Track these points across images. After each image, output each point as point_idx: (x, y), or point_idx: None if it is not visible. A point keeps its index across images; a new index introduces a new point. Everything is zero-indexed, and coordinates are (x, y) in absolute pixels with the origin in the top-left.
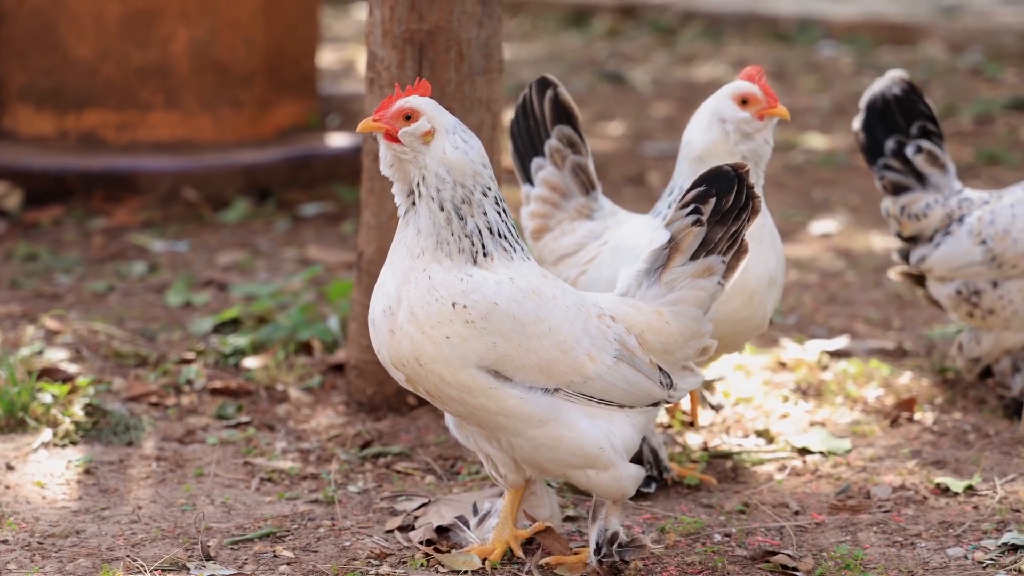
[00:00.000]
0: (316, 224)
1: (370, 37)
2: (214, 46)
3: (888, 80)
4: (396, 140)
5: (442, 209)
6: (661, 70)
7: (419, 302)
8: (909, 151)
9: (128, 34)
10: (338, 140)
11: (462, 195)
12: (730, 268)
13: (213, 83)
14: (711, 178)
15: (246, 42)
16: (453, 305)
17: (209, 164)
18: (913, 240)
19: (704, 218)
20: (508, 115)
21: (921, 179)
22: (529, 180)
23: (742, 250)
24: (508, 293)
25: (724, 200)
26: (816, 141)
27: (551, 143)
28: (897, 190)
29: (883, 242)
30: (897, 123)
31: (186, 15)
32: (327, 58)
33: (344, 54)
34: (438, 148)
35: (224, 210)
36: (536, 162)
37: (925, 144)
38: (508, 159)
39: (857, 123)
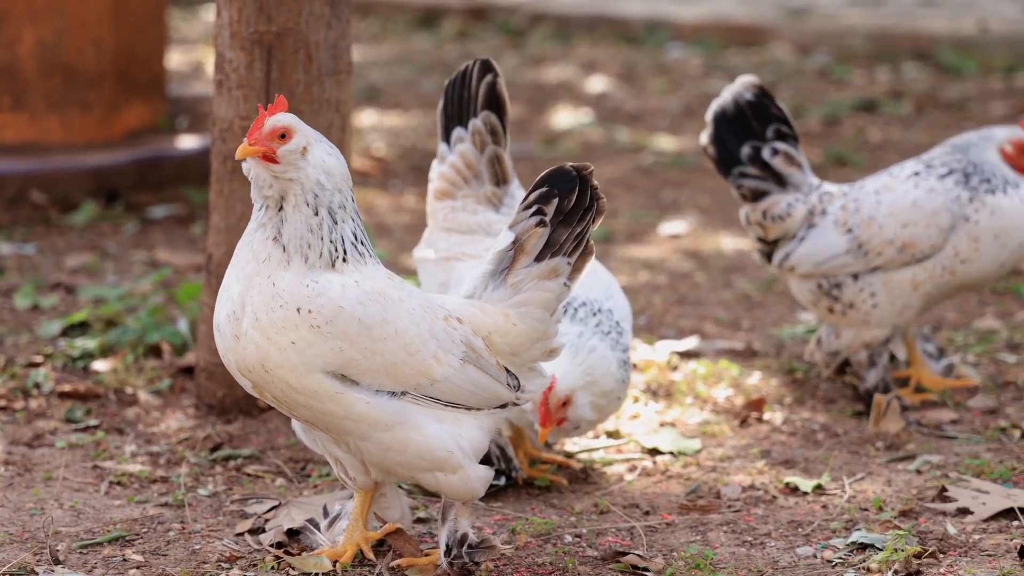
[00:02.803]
0: (165, 226)
1: (218, 39)
2: (62, 48)
3: (739, 86)
4: (274, 160)
5: (316, 214)
6: (511, 72)
7: (263, 308)
8: (766, 154)
9: None
10: (187, 142)
11: (339, 200)
12: (576, 269)
13: (61, 85)
14: (552, 178)
15: (94, 44)
16: (298, 310)
17: (57, 166)
18: (776, 244)
19: (547, 219)
20: (356, 117)
21: (780, 181)
22: (447, 142)
23: (588, 251)
24: (353, 296)
25: (566, 200)
26: (665, 143)
27: (476, 123)
28: (756, 196)
29: (732, 243)
30: (751, 128)
31: (33, 16)
32: (176, 60)
33: (193, 56)
34: (316, 157)
35: (72, 213)
36: (457, 132)
37: (781, 146)
38: (357, 161)
39: (705, 137)
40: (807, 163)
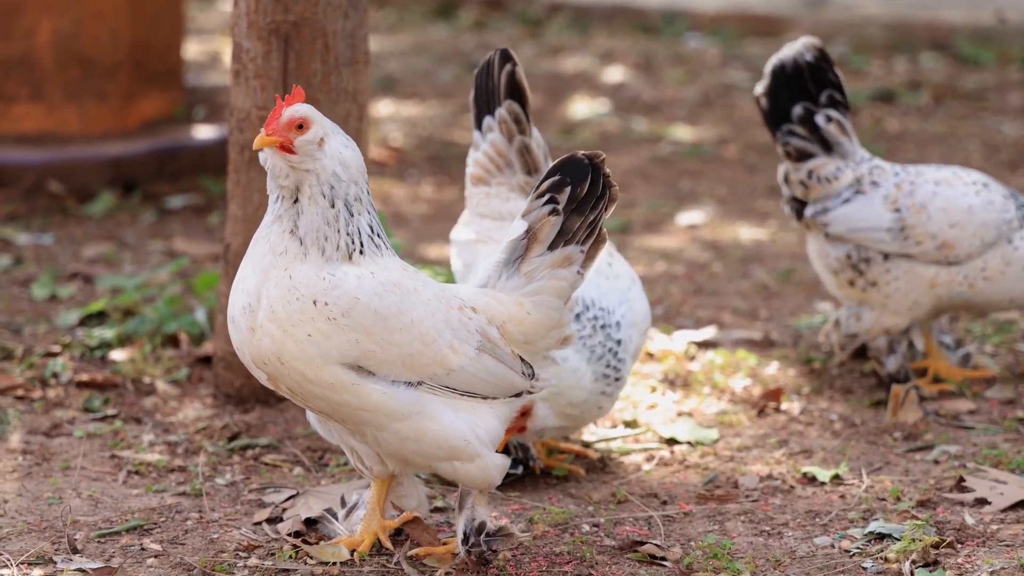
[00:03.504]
0: (182, 216)
1: (236, 28)
2: (79, 38)
3: (801, 45)
4: (292, 151)
5: (332, 206)
6: (528, 62)
7: (279, 300)
8: (820, 120)
9: None
10: (204, 132)
11: (355, 192)
12: (589, 257)
13: (78, 75)
14: (564, 167)
15: (111, 34)
16: (314, 303)
17: (74, 156)
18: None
19: (560, 207)
20: (373, 107)
21: (827, 146)
22: (480, 130)
23: (600, 239)
24: (369, 287)
25: (579, 188)
26: (683, 133)
27: (501, 112)
28: (801, 156)
29: (750, 233)
30: (806, 89)
31: (50, 7)
32: (193, 50)
33: (210, 46)
34: (333, 149)
35: (90, 203)
36: (487, 121)
37: (835, 114)
38: (374, 151)
39: (760, 88)
40: (854, 133)
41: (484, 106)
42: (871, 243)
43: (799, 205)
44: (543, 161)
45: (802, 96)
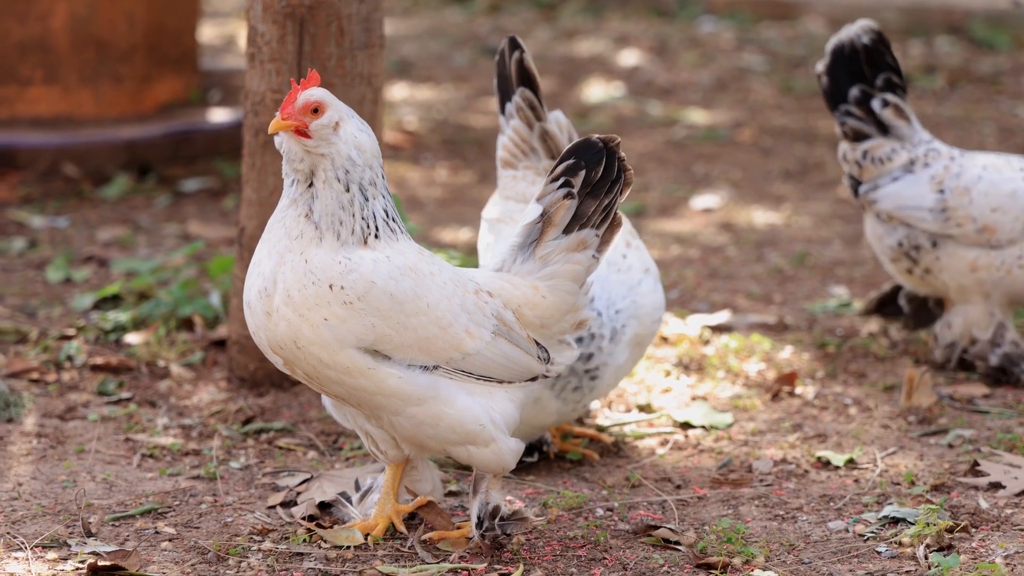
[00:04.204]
0: (197, 200)
1: (251, 12)
2: (94, 21)
3: (858, 28)
4: (307, 135)
5: (347, 190)
6: (543, 45)
7: (296, 285)
8: (876, 105)
9: (7, 9)
10: (219, 115)
11: (370, 177)
12: (604, 241)
13: (93, 58)
14: (579, 150)
15: (126, 17)
16: (330, 287)
17: (89, 139)
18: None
19: (575, 191)
20: (388, 91)
21: (883, 129)
22: (504, 115)
23: (615, 223)
24: (385, 271)
25: (593, 172)
26: (697, 116)
27: (517, 100)
28: (857, 137)
29: (764, 217)
30: (862, 72)
31: None
32: (208, 33)
33: (225, 29)
34: (348, 133)
35: (104, 186)
36: (508, 107)
37: (891, 98)
38: (389, 135)
39: (821, 66)
40: (915, 116)
41: (505, 92)
42: (915, 222)
43: (856, 183)
44: (566, 143)
45: (858, 78)
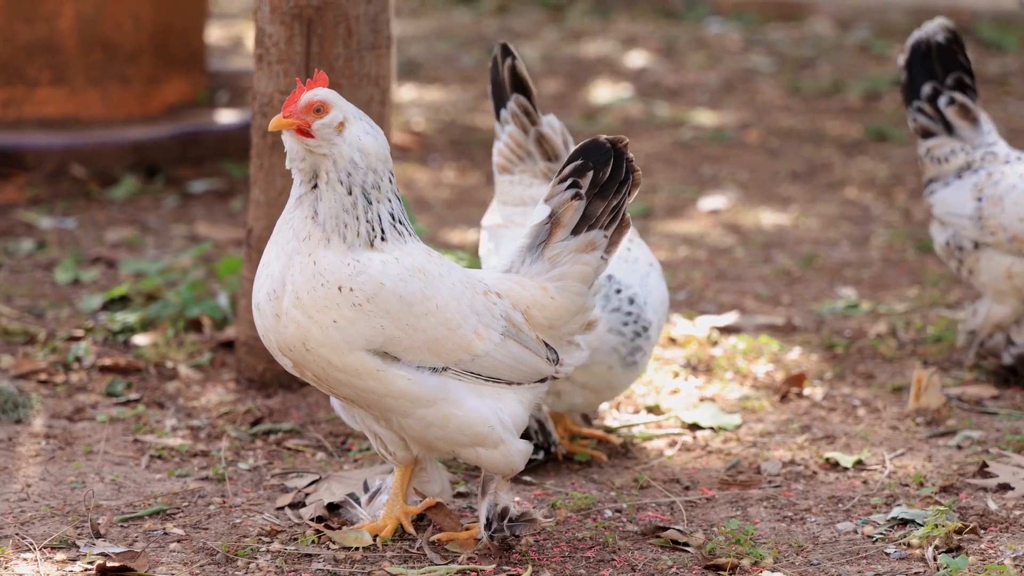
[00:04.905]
0: (205, 201)
1: (258, 13)
2: (101, 22)
3: (935, 25)
4: (309, 135)
5: (350, 193)
6: (550, 46)
7: (304, 287)
8: (942, 101)
9: (15, 10)
10: (227, 117)
11: (373, 180)
12: (612, 243)
13: (100, 59)
14: (586, 151)
15: (133, 18)
16: (339, 289)
17: (97, 140)
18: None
19: (583, 191)
20: (396, 92)
21: (949, 128)
22: (499, 122)
23: (624, 224)
24: (394, 272)
25: (601, 173)
26: (705, 117)
27: (511, 106)
28: (925, 134)
29: (772, 218)
30: (934, 70)
31: None
32: (215, 34)
33: (232, 30)
34: (352, 135)
35: (112, 187)
36: (503, 113)
37: (959, 97)
38: (396, 136)
39: (902, 60)
40: (984, 117)
41: (500, 99)
42: (960, 229)
43: (928, 181)
44: (563, 146)
45: (931, 76)
